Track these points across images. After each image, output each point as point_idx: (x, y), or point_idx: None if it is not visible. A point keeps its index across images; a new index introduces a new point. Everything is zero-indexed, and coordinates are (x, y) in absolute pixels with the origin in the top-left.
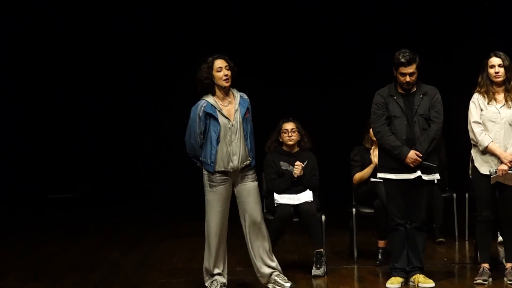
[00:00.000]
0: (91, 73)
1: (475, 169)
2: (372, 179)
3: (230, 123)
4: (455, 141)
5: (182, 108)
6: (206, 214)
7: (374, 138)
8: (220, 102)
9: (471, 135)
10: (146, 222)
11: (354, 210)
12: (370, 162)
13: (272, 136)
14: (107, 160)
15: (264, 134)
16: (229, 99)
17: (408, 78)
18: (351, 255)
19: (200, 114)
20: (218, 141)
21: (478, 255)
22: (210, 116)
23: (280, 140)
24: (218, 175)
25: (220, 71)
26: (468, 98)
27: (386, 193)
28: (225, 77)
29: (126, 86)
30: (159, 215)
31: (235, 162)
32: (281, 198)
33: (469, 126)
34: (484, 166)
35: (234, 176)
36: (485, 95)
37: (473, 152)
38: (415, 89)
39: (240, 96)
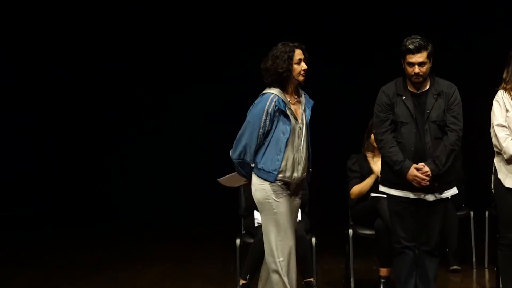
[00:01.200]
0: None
1: (498, 181)
2: (373, 194)
3: (298, 126)
4: (474, 148)
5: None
6: (271, 237)
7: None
8: (289, 99)
9: (494, 141)
10: (110, 244)
11: (351, 231)
12: (371, 171)
13: None
14: (70, 175)
15: None
16: (296, 97)
17: (417, 69)
18: (348, 286)
19: (270, 110)
20: (286, 145)
21: (501, 286)
22: (281, 113)
23: None
24: (280, 183)
25: (299, 63)
26: (492, 96)
27: (390, 211)
28: (303, 72)
29: (92, 102)
30: (126, 236)
31: (300, 172)
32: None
33: (492, 130)
34: (509, 178)
35: (292, 189)
36: (511, 93)
37: (496, 161)
38: (428, 86)
39: (305, 95)
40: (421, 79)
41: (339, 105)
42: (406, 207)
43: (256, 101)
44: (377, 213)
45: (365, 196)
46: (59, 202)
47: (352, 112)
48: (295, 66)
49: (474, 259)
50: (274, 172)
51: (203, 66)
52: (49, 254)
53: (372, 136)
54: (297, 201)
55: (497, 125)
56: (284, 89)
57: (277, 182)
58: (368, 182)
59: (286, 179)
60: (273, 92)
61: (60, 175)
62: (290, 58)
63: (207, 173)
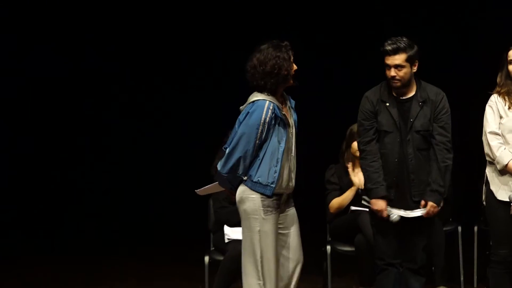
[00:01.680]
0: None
1: (490, 193)
2: (353, 208)
3: (291, 131)
4: (462, 157)
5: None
6: (257, 253)
7: (358, 154)
8: (279, 105)
9: (486, 150)
10: (72, 261)
11: (329, 247)
12: (351, 184)
13: (220, 153)
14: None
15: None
16: (282, 100)
17: (392, 72)
18: None
19: (267, 119)
20: (283, 155)
21: None
22: (278, 122)
23: None
24: (275, 197)
25: (293, 63)
26: (485, 99)
27: (372, 225)
28: (294, 74)
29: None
30: (88, 255)
31: (294, 181)
32: (233, 233)
33: (484, 138)
34: (502, 190)
35: (283, 200)
36: (506, 98)
37: (489, 171)
38: (413, 92)
39: (288, 97)
40: (399, 83)
41: (317, 111)
42: (390, 223)
43: (248, 110)
44: (357, 228)
45: (344, 209)
46: (20, 213)
47: (331, 119)
48: (293, 67)
49: (462, 278)
50: (272, 185)
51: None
52: (8, 271)
53: (353, 145)
54: (292, 211)
55: (490, 132)
56: (275, 93)
57: (274, 196)
58: (348, 195)
59: (282, 191)
60: (266, 98)
61: (23, 183)
62: (290, 57)
63: (173, 187)
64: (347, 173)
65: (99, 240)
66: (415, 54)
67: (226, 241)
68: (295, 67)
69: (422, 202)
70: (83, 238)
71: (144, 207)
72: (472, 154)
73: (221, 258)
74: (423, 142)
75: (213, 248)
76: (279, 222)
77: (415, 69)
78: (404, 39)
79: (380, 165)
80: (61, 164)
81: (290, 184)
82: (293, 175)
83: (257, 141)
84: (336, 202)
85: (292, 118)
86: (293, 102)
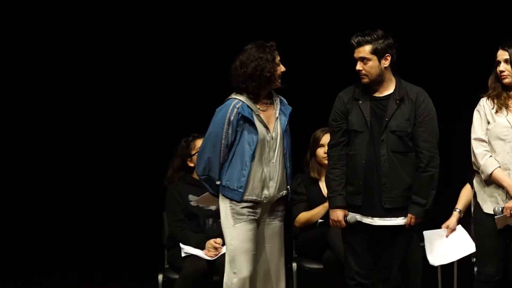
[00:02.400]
0: None
1: (477, 206)
2: (322, 220)
3: (270, 135)
4: (446, 163)
5: None
6: (230, 264)
7: (325, 162)
8: (257, 104)
9: (472, 158)
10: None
11: (295, 265)
12: (318, 196)
13: (174, 161)
14: None
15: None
16: (267, 101)
17: (358, 66)
18: None
19: (232, 118)
20: (252, 158)
21: None
22: (246, 121)
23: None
24: (245, 205)
25: (279, 65)
26: (475, 102)
27: (343, 241)
28: (282, 75)
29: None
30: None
31: (272, 189)
32: (190, 248)
33: (471, 145)
34: (488, 202)
35: (263, 210)
36: (495, 101)
37: (476, 182)
38: (390, 90)
39: (280, 100)
40: (366, 79)
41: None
42: (361, 235)
43: (217, 109)
44: (326, 243)
45: (312, 223)
46: None
47: (297, 125)
48: (278, 68)
49: None
50: (240, 190)
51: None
52: None
53: (318, 153)
54: (274, 224)
55: (475, 139)
56: (256, 95)
57: (243, 202)
58: (320, 211)
59: (254, 198)
60: (238, 97)
61: None
62: (273, 58)
63: (123, 200)
64: (314, 183)
65: (48, 256)
66: (385, 46)
67: (183, 255)
68: (282, 68)
69: (408, 218)
70: (31, 254)
71: (93, 219)
72: (456, 159)
73: (176, 276)
74: (399, 144)
75: (167, 266)
76: (259, 234)
77: (385, 63)
78: (376, 32)
79: (342, 172)
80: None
81: (266, 192)
82: (272, 184)
83: (223, 141)
84: (304, 216)
85: (277, 123)
86: (288, 107)
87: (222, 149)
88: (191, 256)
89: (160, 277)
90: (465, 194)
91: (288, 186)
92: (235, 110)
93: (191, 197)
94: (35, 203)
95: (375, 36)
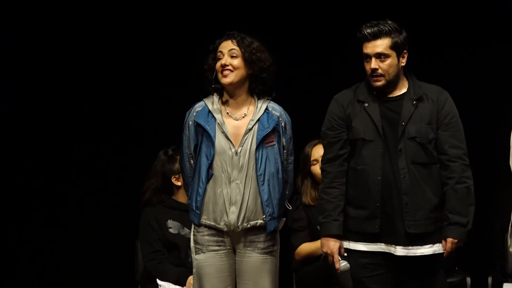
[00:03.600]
0: None
1: None
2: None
3: (233, 150)
4: (476, 184)
5: None
6: None
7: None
8: (229, 111)
9: None
10: None
11: None
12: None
13: (153, 179)
14: None
15: None
16: (245, 110)
17: (373, 64)
18: None
19: (190, 123)
20: (209, 174)
21: None
22: (203, 130)
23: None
24: (206, 231)
25: (220, 58)
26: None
27: (354, 278)
28: (222, 69)
29: None
30: None
31: (233, 216)
32: (169, 285)
33: (511, 162)
34: None
35: (235, 238)
36: None
37: None
38: (404, 89)
39: (268, 109)
40: (382, 80)
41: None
42: (374, 269)
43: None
44: (333, 279)
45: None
46: None
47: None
48: (216, 63)
49: None
50: (197, 212)
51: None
52: None
53: (316, 170)
54: (254, 258)
55: None
56: (221, 98)
57: (203, 228)
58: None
59: (212, 223)
60: (206, 100)
61: None
62: (214, 53)
63: (89, 228)
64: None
65: None
66: (403, 41)
67: None
68: (220, 62)
69: (442, 244)
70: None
71: (54, 250)
72: (486, 178)
73: None
74: (421, 154)
75: None
76: (236, 269)
77: (403, 62)
78: (389, 22)
79: (340, 193)
80: None
81: (225, 219)
82: (233, 209)
83: (186, 150)
84: (306, 248)
85: (249, 136)
86: (275, 117)
87: (188, 157)
88: None
89: None
90: None
91: (264, 216)
92: (194, 113)
93: (170, 223)
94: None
95: (392, 27)
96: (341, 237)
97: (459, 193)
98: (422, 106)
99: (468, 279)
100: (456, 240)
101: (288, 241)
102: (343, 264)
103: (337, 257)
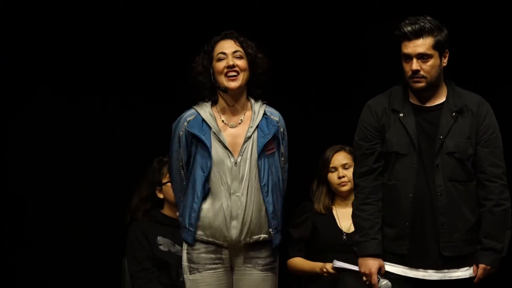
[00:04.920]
0: None
1: None
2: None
3: (232, 160)
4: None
5: None
6: None
7: (342, 189)
8: (224, 119)
9: None
10: None
11: None
12: (332, 232)
13: (142, 187)
14: None
15: None
16: (241, 116)
17: (415, 65)
18: None
19: (181, 134)
20: (206, 188)
21: None
22: (197, 141)
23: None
24: (202, 249)
25: (222, 59)
26: None
27: None
28: (227, 70)
29: None
30: None
31: (234, 231)
32: None
33: None
34: None
35: (233, 255)
36: None
37: None
38: (442, 99)
39: (266, 114)
40: (424, 83)
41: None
42: None
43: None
44: None
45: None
46: None
47: (307, 145)
48: (216, 64)
49: None
50: (191, 229)
51: None
52: None
53: (333, 179)
54: (254, 275)
55: None
56: (216, 104)
57: (198, 245)
58: (320, 267)
59: (210, 239)
60: (196, 108)
61: None
62: (210, 54)
63: (73, 242)
64: (326, 215)
65: None
66: (445, 39)
67: None
68: (224, 64)
69: (475, 270)
70: None
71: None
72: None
73: None
74: (459, 170)
75: None
76: (237, 285)
77: (445, 62)
78: (429, 18)
79: (377, 210)
80: None
81: (226, 234)
82: (235, 224)
83: (176, 162)
84: (300, 264)
85: (248, 144)
86: (274, 126)
87: (178, 171)
88: None
89: None
90: None
91: (270, 230)
92: (184, 124)
93: (160, 239)
94: None
95: (434, 24)
96: (380, 256)
97: (497, 217)
98: (462, 119)
99: None
100: (489, 267)
101: (285, 254)
102: (384, 283)
103: (375, 277)
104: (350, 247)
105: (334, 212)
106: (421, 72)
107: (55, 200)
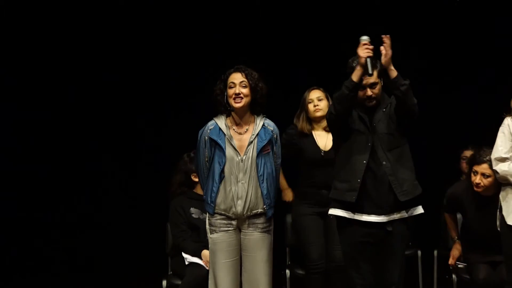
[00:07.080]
0: None
1: (502, 219)
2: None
3: (239, 158)
4: (422, 176)
5: None
6: (210, 270)
7: (316, 115)
8: (235, 128)
9: (502, 173)
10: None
11: (288, 272)
12: (312, 147)
13: (177, 174)
14: None
15: None
16: (247, 127)
17: (369, 92)
18: None
19: (206, 138)
20: (221, 177)
21: None
22: (215, 143)
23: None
24: (218, 217)
25: (232, 87)
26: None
27: (342, 247)
28: (235, 96)
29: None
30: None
31: (239, 208)
32: (191, 257)
33: (494, 166)
34: None
35: (240, 222)
36: None
37: (502, 196)
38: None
39: (264, 125)
40: (374, 102)
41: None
42: (359, 239)
43: (200, 129)
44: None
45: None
46: None
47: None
48: (228, 90)
49: None
50: (212, 204)
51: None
52: None
53: (309, 108)
54: (255, 236)
55: (497, 159)
56: (229, 117)
57: (216, 215)
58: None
59: (223, 212)
60: (216, 120)
61: None
62: (225, 82)
63: (131, 211)
64: (307, 136)
65: (60, 261)
66: (382, 67)
67: (186, 263)
68: (233, 91)
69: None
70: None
71: (103, 229)
72: (436, 169)
73: (179, 282)
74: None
75: (171, 273)
76: (241, 245)
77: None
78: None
79: None
80: None
81: (233, 210)
82: (239, 202)
83: (201, 157)
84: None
85: (251, 147)
86: (269, 132)
87: (204, 164)
88: (193, 264)
89: (164, 283)
90: (452, 222)
91: (265, 206)
92: (208, 131)
93: (192, 210)
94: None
95: (374, 59)
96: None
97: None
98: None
99: (419, 252)
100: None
101: (281, 220)
102: (365, 38)
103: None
104: (328, 161)
105: (313, 134)
106: (373, 96)
107: (119, 183)
